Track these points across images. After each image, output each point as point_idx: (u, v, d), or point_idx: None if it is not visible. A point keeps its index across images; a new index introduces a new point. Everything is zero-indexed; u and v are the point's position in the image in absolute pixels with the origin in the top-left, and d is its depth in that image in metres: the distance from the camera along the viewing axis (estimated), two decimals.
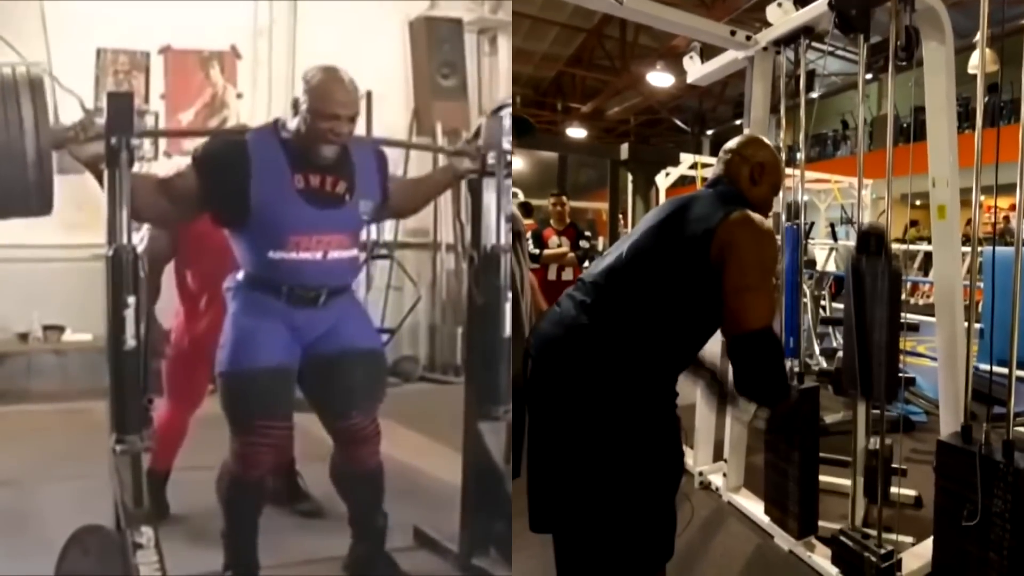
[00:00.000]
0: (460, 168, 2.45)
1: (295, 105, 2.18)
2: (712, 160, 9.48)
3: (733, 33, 3.46)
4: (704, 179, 9.01)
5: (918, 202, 3.58)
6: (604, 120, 19.90)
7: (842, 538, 2.86)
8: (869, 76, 3.63)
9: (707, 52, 3.95)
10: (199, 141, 2.23)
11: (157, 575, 1.93)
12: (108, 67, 4.99)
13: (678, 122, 19.68)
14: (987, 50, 2.93)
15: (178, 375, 2.79)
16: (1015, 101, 13.94)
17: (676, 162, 8.46)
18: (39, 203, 1.82)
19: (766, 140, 2.39)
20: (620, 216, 10.55)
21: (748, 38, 3.46)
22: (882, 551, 2.70)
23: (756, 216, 1.98)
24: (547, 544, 3.05)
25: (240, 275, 2.28)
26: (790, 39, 3.26)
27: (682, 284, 1.93)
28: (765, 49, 3.44)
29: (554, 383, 1.99)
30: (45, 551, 2.05)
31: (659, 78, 14.08)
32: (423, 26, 5.71)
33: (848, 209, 12.46)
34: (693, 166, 8.69)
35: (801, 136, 3.34)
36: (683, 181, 9.00)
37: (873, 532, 2.81)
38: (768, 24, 3.40)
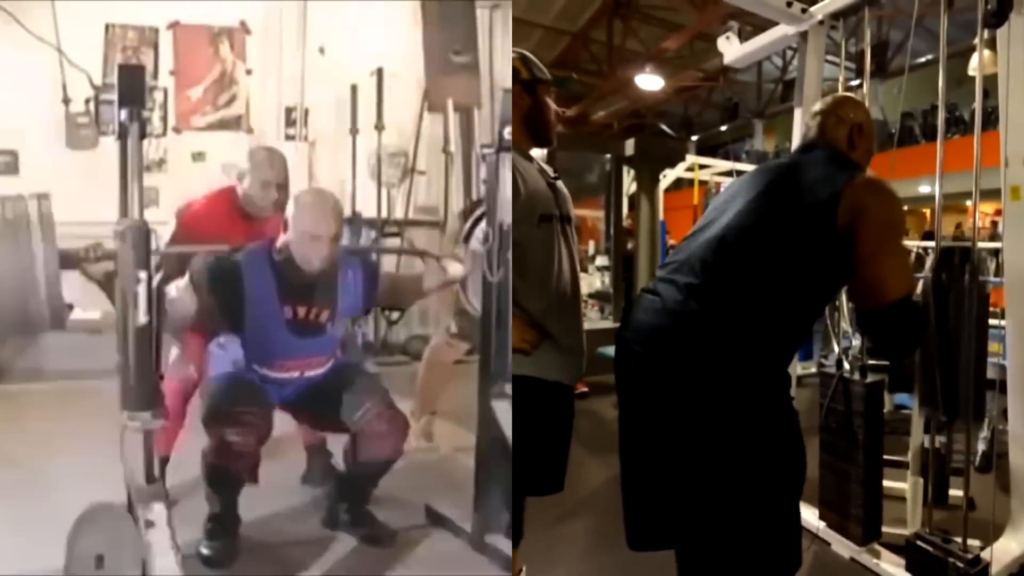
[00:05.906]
0: (451, 274, 2.65)
1: (285, 223, 2.37)
2: (708, 161, 9.28)
3: (789, 4, 3.24)
4: (703, 183, 8.86)
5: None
6: (588, 124, 19.74)
7: (919, 543, 2.66)
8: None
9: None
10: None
11: (170, 553, 1.91)
12: (116, 43, 4.87)
13: (664, 127, 19.53)
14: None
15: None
16: None
17: (684, 158, 8.35)
18: (53, 320, 2.03)
19: (860, 99, 2.19)
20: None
21: (803, 11, 3.26)
22: (969, 556, 2.53)
23: (880, 178, 1.80)
24: (585, 557, 3.05)
25: (228, 350, 2.49)
26: (851, 11, 3.08)
27: (803, 254, 1.72)
28: (821, 23, 3.23)
29: (669, 380, 1.75)
30: (55, 530, 1.99)
31: (648, 81, 13.85)
32: (435, 2, 5.65)
33: None
34: (690, 168, 8.42)
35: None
36: (679, 185, 8.80)
37: (954, 537, 2.62)
38: None
